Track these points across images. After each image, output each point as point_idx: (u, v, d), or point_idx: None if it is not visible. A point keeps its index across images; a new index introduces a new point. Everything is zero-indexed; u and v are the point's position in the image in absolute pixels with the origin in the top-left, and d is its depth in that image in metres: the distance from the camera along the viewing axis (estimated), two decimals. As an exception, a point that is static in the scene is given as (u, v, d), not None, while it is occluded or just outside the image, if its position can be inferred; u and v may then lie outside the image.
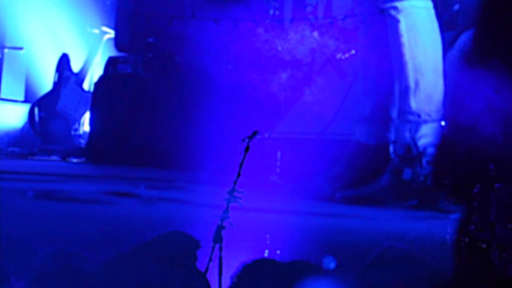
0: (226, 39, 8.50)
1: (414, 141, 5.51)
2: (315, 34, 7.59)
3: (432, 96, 5.57)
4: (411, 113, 5.58)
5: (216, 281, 3.40)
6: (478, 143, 4.61)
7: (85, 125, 10.22)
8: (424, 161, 5.46)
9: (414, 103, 5.58)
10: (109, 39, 10.37)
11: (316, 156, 6.62)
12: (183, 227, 3.55)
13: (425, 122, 5.54)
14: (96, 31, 10.64)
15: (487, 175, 4.12)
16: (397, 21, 5.59)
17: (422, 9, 5.64)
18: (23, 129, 10.73)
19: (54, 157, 9.36)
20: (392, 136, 5.75)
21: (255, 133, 3.75)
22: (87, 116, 10.14)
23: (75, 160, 9.18)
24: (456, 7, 6.33)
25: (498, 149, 4.49)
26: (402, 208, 5.33)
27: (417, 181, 5.46)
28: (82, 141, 9.98)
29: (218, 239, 3.55)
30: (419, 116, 5.56)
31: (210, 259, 3.45)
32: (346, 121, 6.86)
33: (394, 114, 5.77)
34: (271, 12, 8.24)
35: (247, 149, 3.71)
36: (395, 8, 5.60)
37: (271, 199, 5.94)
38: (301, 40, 7.62)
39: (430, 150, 5.49)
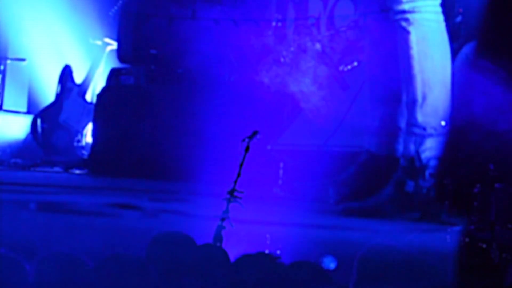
0: (228, 50, 8.51)
1: (418, 154, 5.49)
2: (318, 46, 7.60)
3: (438, 110, 5.55)
4: (417, 126, 5.56)
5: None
6: (478, 144, 4.59)
7: (88, 137, 10.22)
8: (427, 173, 5.45)
9: (420, 117, 5.55)
10: (112, 50, 10.39)
11: (319, 167, 6.62)
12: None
13: (430, 135, 5.52)
14: (99, 42, 10.64)
15: (487, 175, 4.10)
16: (408, 33, 5.55)
17: (434, 22, 5.61)
18: (25, 140, 10.73)
19: (56, 169, 9.35)
20: (401, 148, 5.72)
21: (255, 133, 3.73)
22: (89, 127, 10.14)
23: (77, 172, 9.17)
24: (459, 18, 6.33)
25: (499, 149, 4.48)
26: (405, 221, 5.32)
27: (420, 193, 5.44)
28: (85, 153, 9.97)
29: (218, 239, 3.54)
30: (424, 129, 5.54)
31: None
32: (349, 133, 6.85)
33: (403, 124, 5.74)
34: (274, 23, 8.26)
35: (247, 149, 3.69)
36: (407, 20, 5.55)
37: (273, 211, 5.93)
38: (304, 52, 7.62)
39: (433, 162, 5.47)
